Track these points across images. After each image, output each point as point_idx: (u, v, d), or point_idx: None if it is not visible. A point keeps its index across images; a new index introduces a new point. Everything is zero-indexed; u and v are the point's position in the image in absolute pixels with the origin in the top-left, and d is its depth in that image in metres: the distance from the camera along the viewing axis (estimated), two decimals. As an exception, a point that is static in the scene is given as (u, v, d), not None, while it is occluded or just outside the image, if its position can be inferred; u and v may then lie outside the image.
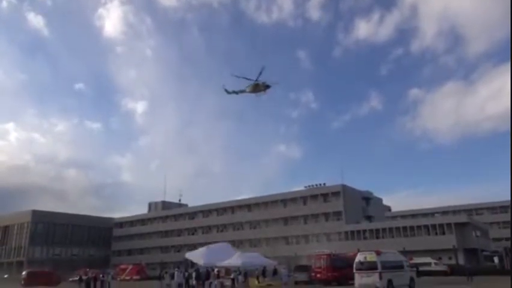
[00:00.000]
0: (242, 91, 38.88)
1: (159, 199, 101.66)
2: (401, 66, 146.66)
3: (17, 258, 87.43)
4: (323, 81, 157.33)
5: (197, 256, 33.22)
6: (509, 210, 65.56)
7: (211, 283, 30.83)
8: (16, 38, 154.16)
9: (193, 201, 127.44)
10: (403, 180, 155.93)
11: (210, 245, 37.25)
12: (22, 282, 42.75)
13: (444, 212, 78.71)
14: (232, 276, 32.64)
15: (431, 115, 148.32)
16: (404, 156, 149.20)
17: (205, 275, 30.07)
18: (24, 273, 46.49)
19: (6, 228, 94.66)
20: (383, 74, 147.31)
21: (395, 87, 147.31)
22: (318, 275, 30.42)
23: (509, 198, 51.51)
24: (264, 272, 36.56)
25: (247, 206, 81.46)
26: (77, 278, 56.12)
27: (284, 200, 75.97)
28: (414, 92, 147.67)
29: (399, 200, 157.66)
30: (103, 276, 40.30)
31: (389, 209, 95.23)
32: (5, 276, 72.20)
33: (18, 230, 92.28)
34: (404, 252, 33.91)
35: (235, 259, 35.56)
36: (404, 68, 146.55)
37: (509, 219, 68.43)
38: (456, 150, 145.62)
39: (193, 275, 32.19)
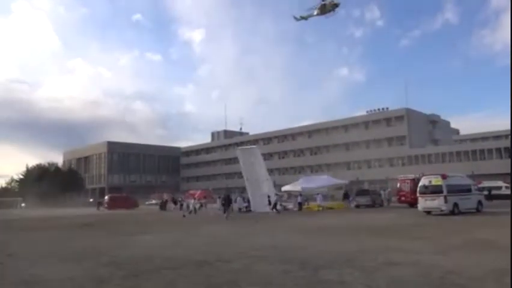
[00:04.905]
0: (310, 15, 37.62)
1: (221, 128, 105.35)
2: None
3: (99, 185, 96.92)
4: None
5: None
6: None
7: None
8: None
9: (254, 129, 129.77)
10: (476, 101, 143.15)
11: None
12: (105, 205, 47.76)
13: (520, 133, 73.47)
14: (299, 200, 34.03)
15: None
16: (479, 74, 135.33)
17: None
18: (106, 197, 51.95)
19: (87, 159, 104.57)
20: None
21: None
22: (403, 198, 32.28)
23: None
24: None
25: (308, 132, 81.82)
26: (153, 202, 61.99)
27: (345, 126, 75.10)
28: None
29: (470, 122, 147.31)
30: (173, 200, 44.26)
31: (457, 132, 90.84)
32: (90, 200, 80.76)
33: (97, 159, 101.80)
34: (472, 177, 32.81)
35: (294, 184, 36.83)
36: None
37: None
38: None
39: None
